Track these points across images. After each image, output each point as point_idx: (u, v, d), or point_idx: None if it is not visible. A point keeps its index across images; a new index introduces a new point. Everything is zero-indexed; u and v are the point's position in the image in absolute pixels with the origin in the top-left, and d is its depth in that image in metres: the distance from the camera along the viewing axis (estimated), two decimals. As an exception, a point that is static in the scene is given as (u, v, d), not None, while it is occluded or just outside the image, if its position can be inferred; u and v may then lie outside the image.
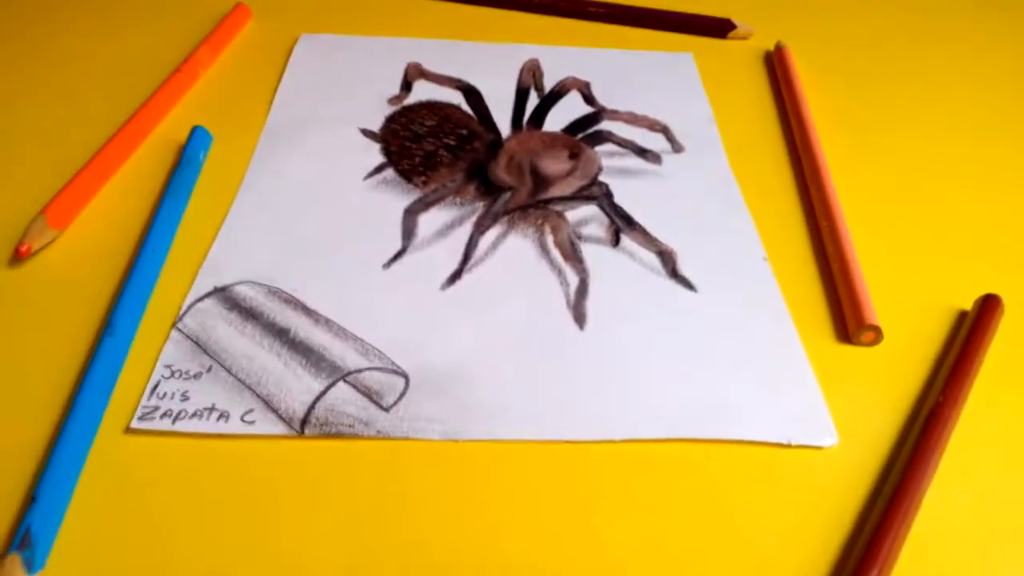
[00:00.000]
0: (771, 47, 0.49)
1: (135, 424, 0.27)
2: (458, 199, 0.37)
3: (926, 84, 0.47)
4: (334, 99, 0.43)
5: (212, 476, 0.26)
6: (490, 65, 0.46)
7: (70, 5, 0.49)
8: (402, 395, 0.28)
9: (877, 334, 0.30)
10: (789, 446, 0.27)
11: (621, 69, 0.47)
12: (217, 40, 0.46)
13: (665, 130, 0.42)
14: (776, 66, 0.47)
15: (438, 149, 0.39)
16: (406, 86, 0.44)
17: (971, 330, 0.31)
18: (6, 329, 0.30)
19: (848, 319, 0.31)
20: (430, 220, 0.36)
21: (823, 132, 0.41)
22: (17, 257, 0.32)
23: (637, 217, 0.36)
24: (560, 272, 0.33)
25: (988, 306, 0.32)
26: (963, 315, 0.32)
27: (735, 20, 0.50)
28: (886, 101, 0.45)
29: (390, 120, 0.42)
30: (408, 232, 0.35)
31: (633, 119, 0.42)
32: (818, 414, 0.28)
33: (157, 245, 0.33)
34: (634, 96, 0.44)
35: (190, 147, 0.38)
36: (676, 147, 0.41)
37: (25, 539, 0.23)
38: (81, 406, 0.26)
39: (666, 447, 0.27)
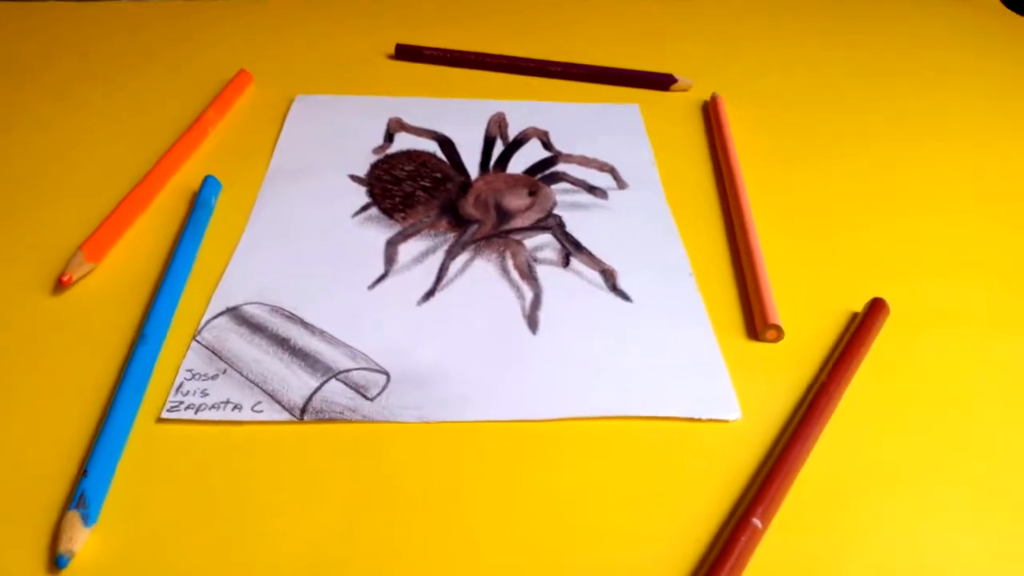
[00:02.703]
0: (708, 97, 0.56)
1: (165, 415, 0.32)
2: (432, 231, 0.43)
3: (835, 123, 0.54)
4: (326, 150, 0.49)
5: (228, 455, 0.31)
6: (461, 118, 0.53)
7: (100, 75, 0.56)
8: (384, 388, 0.34)
9: (779, 332, 0.37)
10: (700, 420, 0.33)
11: (576, 120, 0.54)
12: (223, 102, 0.52)
13: (612, 170, 0.48)
14: (711, 113, 0.54)
15: (415, 190, 0.46)
16: (388, 138, 0.51)
17: (858, 327, 0.37)
18: (55, 344, 0.36)
19: (756, 320, 0.37)
20: (408, 249, 0.42)
21: (746, 167, 0.48)
22: (60, 286, 0.38)
23: (585, 243, 0.42)
24: (518, 289, 0.40)
25: (875, 308, 0.38)
26: (855, 316, 0.39)
27: (677, 75, 0.57)
28: (799, 138, 0.52)
29: (374, 167, 0.48)
30: (390, 259, 0.41)
31: (584, 161, 0.49)
32: (725, 394, 0.34)
33: (178, 274, 0.39)
34: (587, 143, 0.51)
35: (203, 193, 0.44)
36: (621, 184, 0.48)
37: (81, 500, 0.29)
38: (121, 400, 0.32)
39: (600, 424, 0.33)
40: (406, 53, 0.60)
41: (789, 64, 0.61)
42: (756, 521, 0.28)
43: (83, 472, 0.30)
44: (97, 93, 0.54)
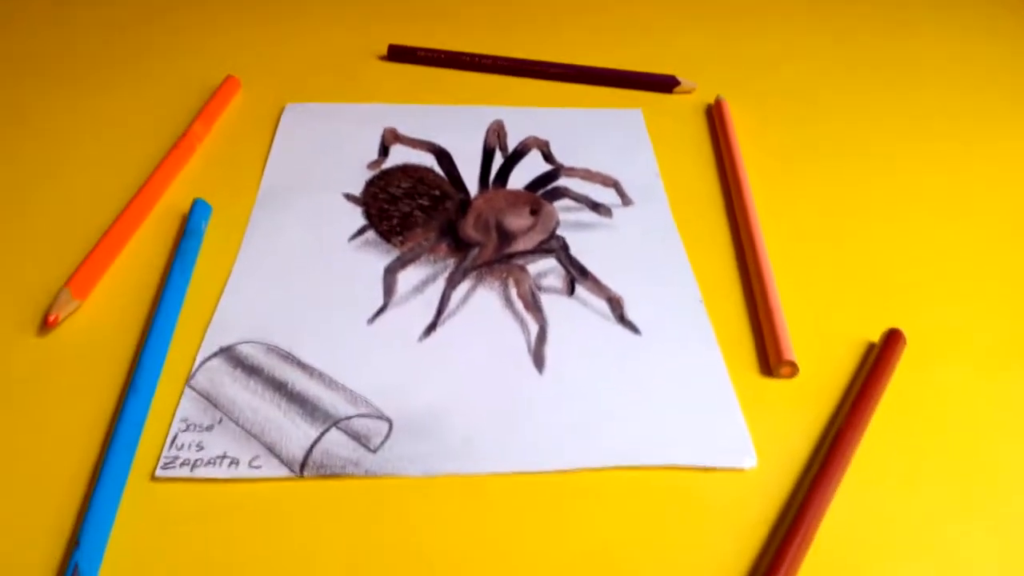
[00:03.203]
0: (712, 100, 0.54)
1: (159, 473, 0.31)
2: (432, 257, 0.42)
3: (847, 130, 0.52)
4: (319, 165, 0.48)
5: (226, 514, 0.30)
6: (458, 126, 0.51)
7: (74, 85, 0.54)
8: (386, 437, 0.33)
9: (794, 368, 0.35)
10: (715, 469, 0.32)
11: (577, 126, 0.52)
12: (210, 112, 0.50)
13: (616, 185, 0.47)
14: (715, 117, 0.52)
15: (413, 210, 0.44)
16: (383, 151, 0.49)
17: (875, 361, 0.36)
18: (40, 392, 0.34)
19: (770, 355, 0.36)
20: (408, 277, 0.41)
21: (754, 178, 0.46)
22: (46, 326, 0.37)
23: (590, 267, 0.41)
24: (522, 321, 0.38)
25: (891, 340, 0.37)
26: (872, 346, 0.37)
27: (680, 77, 0.55)
28: (810, 148, 0.50)
29: (370, 184, 0.46)
30: (388, 289, 0.40)
31: (588, 175, 0.47)
32: (740, 439, 0.33)
33: (169, 310, 0.37)
34: (589, 152, 0.49)
35: (192, 219, 0.42)
36: (625, 201, 0.46)
37: (75, 574, 0.27)
38: (112, 457, 0.31)
39: (611, 474, 0.32)
40: (399, 54, 0.57)
41: (797, 64, 0.59)
42: (777, 587, 0.27)
43: (75, 543, 0.28)
44: (72, 104, 0.52)
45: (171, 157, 0.46)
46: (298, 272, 0.40)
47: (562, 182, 0.47)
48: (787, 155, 0.50)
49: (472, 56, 0.57)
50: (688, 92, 0.55)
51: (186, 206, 0.44)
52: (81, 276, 0.38)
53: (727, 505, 0.31)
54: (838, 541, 0.30)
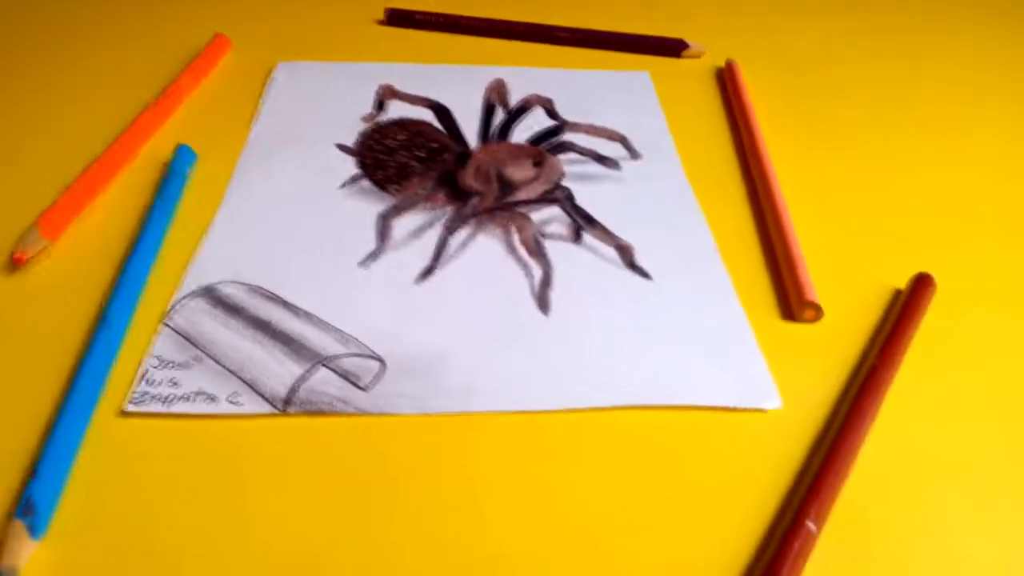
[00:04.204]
0: (722, 64, 0.52)
1: (128, 408, 0.28)
2: (430, 204, 0.39)
3: (862, 91, 0.50)
4: (311, 119, 0.45)
5: (201, 453, 0.27)
6: (458, 86, 0.49)
7: (64, 35, 0.52)
8: (378, 377, 0.30)
9: (818, 311, 0.33)
10: (735, 410, 0.29)
11: (582, 87, 0.50)
12: (198, 68, 0.48)
13: (623, 139, 0.44)
14: (727, 81, 0.50)
15: (410, 161, 0.42)
16: (379, 106, 0.47)
17: (904, 305, 0.33)
18: (5, 328, 0.32)
19: (791, 298, 0.34)
20: (403, 224, 0.38)
21: (769, 135, 0.44)
22: (13, 265, 0.34)
23: (597, 216, 0.39)
24: (526, 266, 0.36)
25: (921, 284, 0.34)
26: (898, 293, 0.35)
27: (688, 40, 0.53)
28: (826, 106, 0.48)
29: (365, 136, 0.44)
30: (383, 234, 0.37)
31: (593, 130, 0.45)
32: (762, 380, 0.30)
33: (146, 250, 0.35)
34: (594, 111, 0.47)
35: (175, 163, 0.40)
36: (634, 155, 0.44)
37: (28, 507, 0.24)
38: (77, 390, 0.28)
39: (623, 414, 0.29)
40: (397, 18, 0.55)
41: (808, 24, 0.57)
42: (810, 524, 0.25)
43: (31, 474, 0.26)
44: (58, 59, 0.50)
45: (157, 106, 0.44)
46: (286, 216, 0.38)
47: (567, 136, 0.45)
48: (803, 114, 0.48)
49: (473, 20, 0.55)
50: (697, 56, 0.53)
51: (170, 154, 0.41)
52: (52, 215, 0.36)
53: (749, 447, 0.28)
54: (869, 482, 0.27)
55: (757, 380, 0.30)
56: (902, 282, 0.35)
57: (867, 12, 0.61)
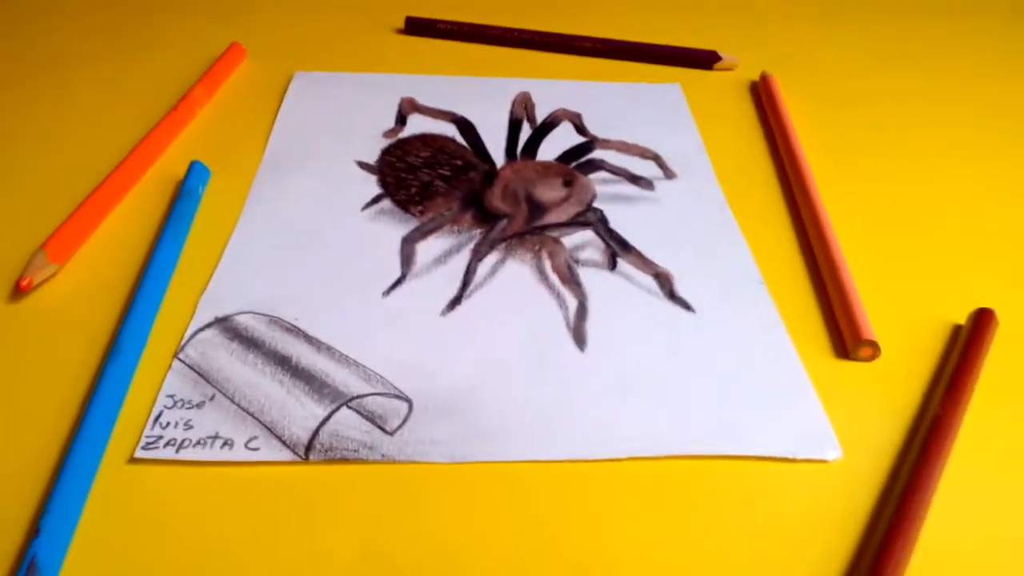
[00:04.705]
0: (756, 77, 0.50)
1: (139, 454, 0.26)
2: (455, 227, 0.37)
3: (907, 105, 0.48)
4: (329, 134, 0.43)
5: (217, 504, 0.25)
6: (482, 99, 0.47)
7: (72, 47, 0.50)
8: (406, 419, 0.28)
9: (875, 349, 0.31)
10: (794, 460, 0.27)
11: (611, 101, 0.47)
12: (213, 78, 0.46)
13: (656, 158, 0.42)
14: (762, 95, 0.48)
15: (434, 179, 0.40)
16: (400, 120, 0.45)
17: (967, 343, 0.31)
18: (8, 361, 0.30)
19: (845, 335, 0.32)
20: (428, 248, 0.36)
21: (811, 155, 0.42)
22: (18, 291, 0.32)
23: (632, 241, 0.36)
24: (559, 296, 0.34)
25: (982, 320, 0.32)
26: (957, 328, 0.33)
27: (720, 52, 0.51)
28: (870, 123, 0.46)
29: (385, 152, 0.42)
30: (407, 260, 0.35)
31: (625, 147, 0.43)
32: (821, 428, 0.28)
33: (158, 276, 0.33)
34: (625, 126, 0.45)
35: (188, 181, 0.38)
36: (668, 174, 0.42)
37: (31, 568, 0.23)
38: (84, 436, 0.26)
39: (670, 464, 0.27)
40: (417, 27, 0.53)
41: (847, 35, 0.55)
42: (882, 596, 0.23)
43: (35, 531, 0.24)
44: (67, 67, 0.48)
45: (168, 119, 0.42)
46: (304, 240, 0.36)
47: (597, 154, 0.43)
48: (845, 132, 0.45)
49: (496, 29, 0.53)
50: (729, 69, 0.51)
51: (182, 171, 0.40)
52: (60, 238, 0.34)
53: (809, 501, 0.26)
54: (942, 540, 0.25)
55: (815, 427, 0.28)
56: (960, 316, 0.33)
57: (919, 19, 0.58)
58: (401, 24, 0.54)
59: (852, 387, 0.30)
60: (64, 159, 0.40)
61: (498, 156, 0.42)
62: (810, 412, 0.29)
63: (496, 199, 0.39)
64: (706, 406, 0.29)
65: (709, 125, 0.46)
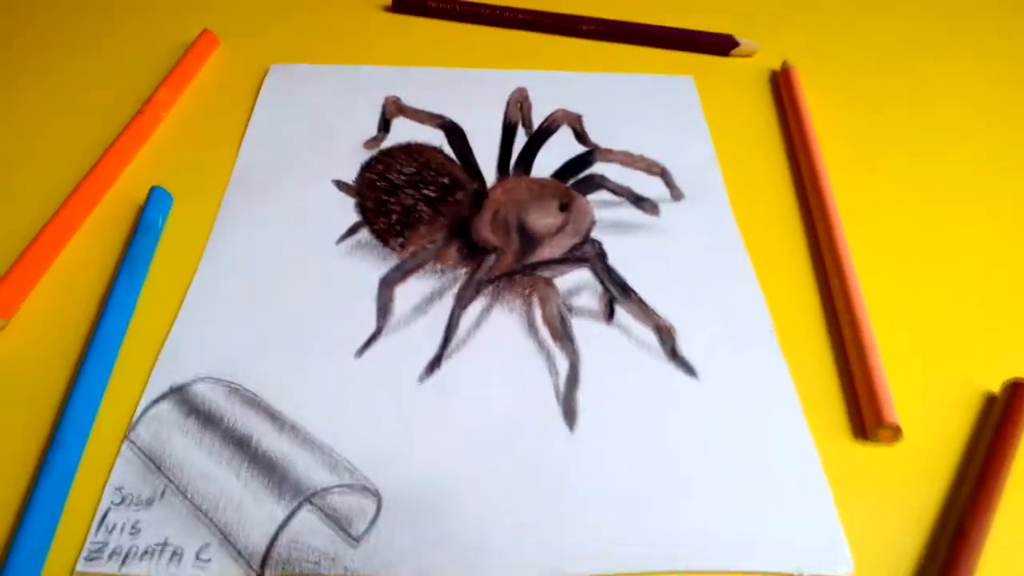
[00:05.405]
0: (776, 66, 0.45)
1: (81, 567, 0.24)
2: (438, 264, 0.34)
3: (942, 103, 0.43)
4: (306, 143, 0.40)
5: (164, 626, 0.23)
6: (474, 95, 0.43)
7: (12, 41, 0.46)
8: (373, 521, 0.26)
9: (896, 433, 0.28)
10: (801, 575, 0.25)
11: (616, 96, 0.43)
12: (181, 75, 0.42)
13: (664, 173, 0.38)
14: (782, 89, 0.43)
15: (417, 203, 0.36)
16: (384, 126, 0.41)
17: (1001, 421, 0.28)
18: (-57, 446, 0.27)
19: (864, 414, 0.28)
20: (408, 292, 0.33)
21: (834, 173, 0.38)
22: (-43, 355, 0.30)
23: (633, 281, 0.33)
24: (548, 355, 0.31)
25: (1017, 392, 0.29)
26: (990, 400, 0.29)
27: (738, 36, 0.46)
28: (902, 132, 0.41)
29: (366, 168, 0.38)
30: (383, 309, 0.32)
31: (629, 160, 0.39)
32: (832, 537, 0.25)
33: (110, 335, 0.30)
34: (630, 129, 0.41)
35: (148, 212, 0.35)
36: (675, 193, 0.38)
37: None
38: (22, 544, 0.24)
39: (664, 578, 0.25)
40: (406, 4, 0.49)
41: (885, 20, 0.50)
42: None
43: (-40, 673, 0.22)
44: (13, 65, 0.44)
45: (130, 130, 0.39)
46: (272, 285, 0.33)
47: (598, 168, 0.38)
48: (872, 146, 0.41)
49: (492, 8, 0.48)
50: (748, 55, 0.46)
51: (143, 194, 0.36)
52: (7, 289, 0.31)
53: (815, 627, 0.24)
54: None
55: (827, 536, 0.25)
56: (993, 385, 0.30)
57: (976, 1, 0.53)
58: (388, 1, 0.50)
59: (869, 475, 0.27)
60: (8, 185, 0.37)
61: (489, 169, 0.38)
62: (822, 517, 0.26)
63: (485, 228, 0.35)
64: (709, 506, 0.26)
65: (722, 121, 0.41)
